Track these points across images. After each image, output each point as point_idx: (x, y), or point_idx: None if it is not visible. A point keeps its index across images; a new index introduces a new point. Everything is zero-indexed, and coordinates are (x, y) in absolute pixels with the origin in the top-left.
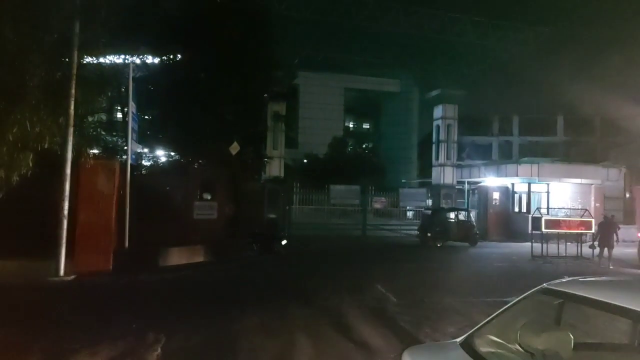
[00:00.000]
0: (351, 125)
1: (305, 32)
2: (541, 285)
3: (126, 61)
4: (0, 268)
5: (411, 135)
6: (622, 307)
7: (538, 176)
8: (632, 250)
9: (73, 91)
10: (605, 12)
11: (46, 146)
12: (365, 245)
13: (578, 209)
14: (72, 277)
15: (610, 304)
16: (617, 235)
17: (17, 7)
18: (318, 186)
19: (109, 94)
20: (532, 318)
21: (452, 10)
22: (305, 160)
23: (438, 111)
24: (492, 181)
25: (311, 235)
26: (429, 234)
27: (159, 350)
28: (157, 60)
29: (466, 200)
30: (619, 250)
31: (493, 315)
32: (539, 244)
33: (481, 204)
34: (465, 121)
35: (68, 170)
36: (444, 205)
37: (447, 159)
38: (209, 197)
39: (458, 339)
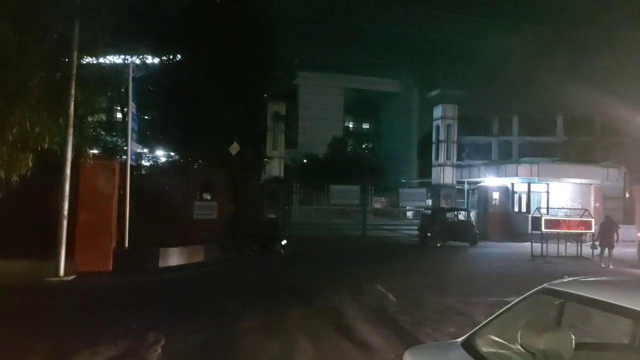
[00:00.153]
0: (351, 125)
1: (305, 32)
2: (542, 285)
3: (126, 61)
4: (0, 268)
5: (411, 135)
6: (623, 307)
7: (538, 176)
8: (631, 250)
9: (73, 91)
10: (605, 12)
11: (46, 146)
12: (365, 245)
13: (578, 208)
14: (72, 277)
15: (611, 303)
16: (617, 235)
17: (17, 7)
18: (318, 186)
19: (109, 94)
20: (533, 318)
21: (452, 10)
22: (305, 160)
23: (438, 111)
24: (491, 181)
25: (311, 235)
26: (428, 234)
27: (159, 350)
28: (157, 60)
29: (466, 200)
30: (618, 250)
31: (494, 315)
32: (539, 244)
33: (481, 204)
34: (465, 121)
35: (68, 171)
36: (443, 205)
37: (447, 159)
38: (208, 197)
39: (459, 339)
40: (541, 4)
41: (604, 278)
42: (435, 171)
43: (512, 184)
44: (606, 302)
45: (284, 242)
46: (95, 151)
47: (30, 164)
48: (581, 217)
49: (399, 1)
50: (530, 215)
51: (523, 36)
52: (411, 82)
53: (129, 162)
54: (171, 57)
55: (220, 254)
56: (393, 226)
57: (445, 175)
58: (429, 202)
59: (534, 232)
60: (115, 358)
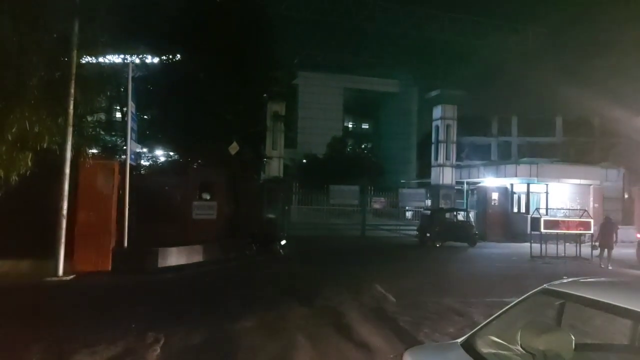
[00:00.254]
0: (350, 126)
1: (305, 32)
2: (542, 286)
3: (125, 61)
4: None
5: (410, 135)
6: (623, 307)
7: (537, 176)
8: (630, 251)
9: (72, 91)
10: (605, 13)
11: (45, 146)
12: (365, 245)
13: (577, 209)
14: (71, 277)
15: (611, 304)
16: (616, 235)
17: (16, 6)
18: (317, 186)
19: (108, 93)
20: (533, 319)
21: (452, 10)
22: (304, 160)
23: (437, 111)
24: (491, 181)
25: (310, 235)
26: (428, 234)
27: (158, 350)
28: (156, 60)
29: (465, 201)
30: (617, 251)
31: (494, 316)
32: (538, 245)
33: (480, 205)
34: (464, 121)
35: (67, 170)
36: (443, 205)
37: (446, 159)
38: (208, 197)
39: (459, 340)
40: (541, 4)
41: (603, 279)
42: (434, 171)
43: (512, 185)
44: (606, 302)
45: (283, 242)
46: (94, 151)
47: (30, 164)
48: (580, 218)
49: (399, 1)
50: (529, 216)
51: (523, 36)
52: (411, 83)
53: (128, 161)
54: (171, 56)
55: (219, 254)
56: (392, 226)
57: (445, 175)
58: (428, 202)
59: (533, 232)
60: (114, 358)
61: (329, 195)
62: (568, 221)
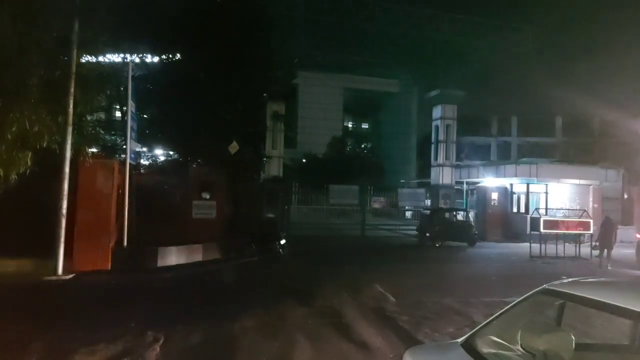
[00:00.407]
0: (350, 125)
1: (305, 32)
2: (542, 286)
3: (125, 60)
4: None
5: (410, 135)
6: (623, 307)
7: (536, 177)
8: (630, 251)
9: (72, 90)
10: (605, 13)
11: (45, 145)
12: (364, 245)
13: (576, 209)
14: (71, 276)
15: (611, 304)
16: (615, 236)
17: (16, 6)
18: (317, 186)
19: (108, 92)
20: (533, 319)
21: (452, 10)
22: (304, 160)
23: (437, 111)
24: (490, 181)
25: (310, 235)
26: (427, 234)
27: (158, 349)
28: (156, 59)
29: (465, 201)
30: (616, 251)
31: (494, 316)
32: (538, 245)
33: (480, 204)
34: (464, 121)
35: (67, 169)
36: (442, 205)
37: (446, 159)
38: (207, 197)
39: (459, 340)
40: (541, 4)
41: (603, 279)
42: (434, 171)
43: (511, 185)
44: (606, 302)
45: (283, 241)
46: (94, 150)
47: (29, 163)
48: (580, 218)
49: (399, 1)
50: (529, 216)
51: (523, 36)
52: (410, 82)
53: (128, 161)
54: (171, 56)
55: (219, 253)
56: (392, 226)
57: (444, 175)
58: (428, 202)
59: (532, 232)
60: (114, 357)
61: (329, 195)
62: (567, 221)
